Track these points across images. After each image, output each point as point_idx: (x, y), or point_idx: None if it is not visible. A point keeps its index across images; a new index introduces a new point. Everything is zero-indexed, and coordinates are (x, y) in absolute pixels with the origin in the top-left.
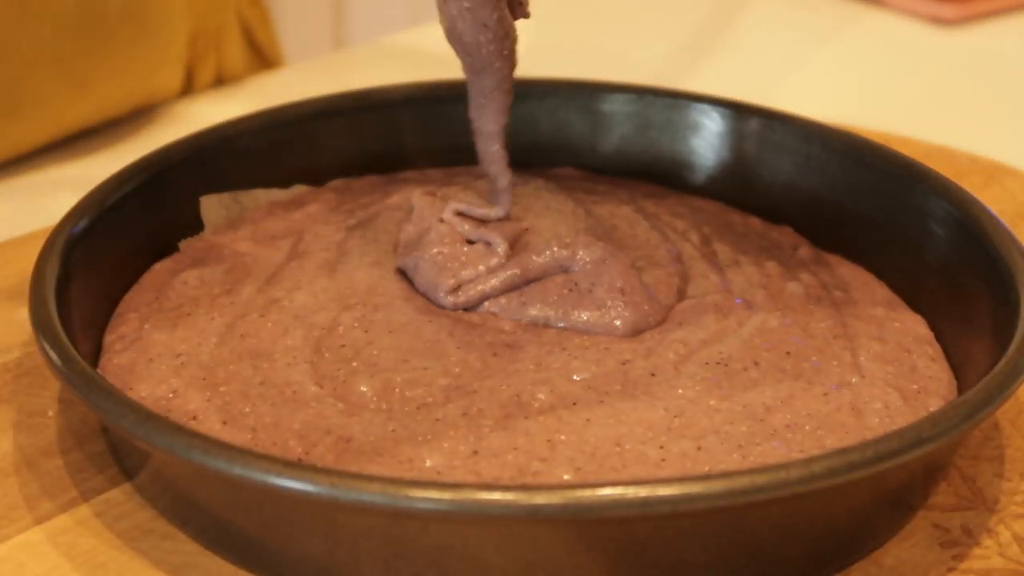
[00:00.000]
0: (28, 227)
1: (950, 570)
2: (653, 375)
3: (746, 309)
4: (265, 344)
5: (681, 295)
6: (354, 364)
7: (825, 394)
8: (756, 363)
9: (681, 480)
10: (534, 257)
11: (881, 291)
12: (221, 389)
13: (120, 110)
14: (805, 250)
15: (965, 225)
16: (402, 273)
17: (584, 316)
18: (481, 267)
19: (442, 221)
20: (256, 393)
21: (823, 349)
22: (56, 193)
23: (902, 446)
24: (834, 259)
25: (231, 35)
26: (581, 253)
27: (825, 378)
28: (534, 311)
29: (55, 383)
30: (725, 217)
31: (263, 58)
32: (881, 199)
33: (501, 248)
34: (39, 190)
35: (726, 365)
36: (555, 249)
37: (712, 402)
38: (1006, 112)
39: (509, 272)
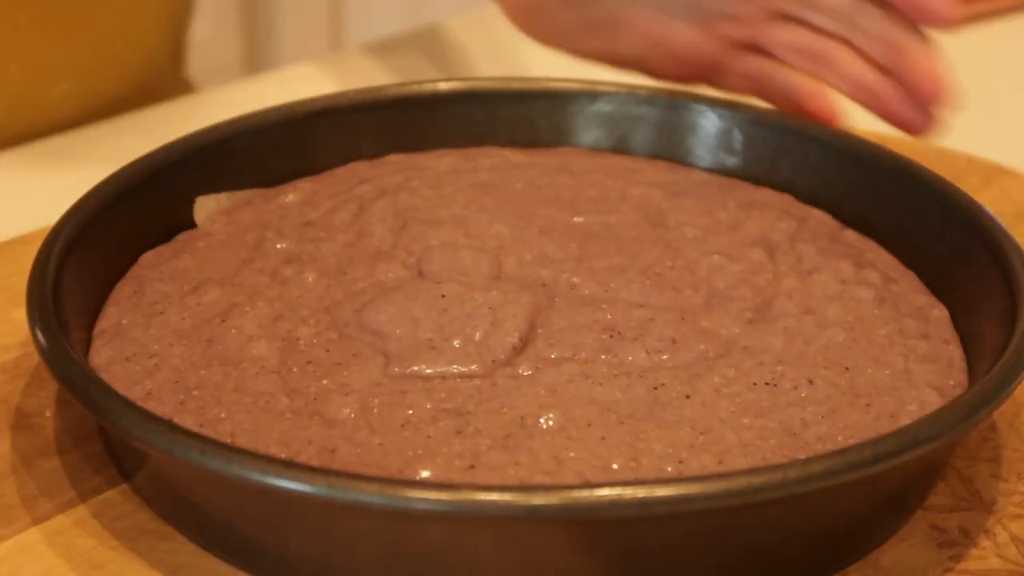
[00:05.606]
0: (28, 227)
1: (947, 571)
2: (688, 397)
3: (816, 327)
4: (232, 351)
5: (753, 322)
6: (324, 382)
7: (868, 404)
8: (811, 381)
9: (679, 481)
10: (559, 334)
11: (911, 275)
12: (194, 393)
13: (112, 86)
14: (850, 233)
15: (963, 227)
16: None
17: (621, 358)
18: (477, 335)
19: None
20: (230, 399)
21: (879, 358)
22: (56, 193)
23: (899, 447)
24: (872, 245)
25: None
26: (622, 319)
27: (873, 388)
28: (563, 353)
29: (52, 383)
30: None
31: None
32: (879, 200)
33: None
34: (39, 190)
35: (775, 385)
36: (592, 338)
37: (746, 420)
38: (1005, 113)
39: (518, 335)
